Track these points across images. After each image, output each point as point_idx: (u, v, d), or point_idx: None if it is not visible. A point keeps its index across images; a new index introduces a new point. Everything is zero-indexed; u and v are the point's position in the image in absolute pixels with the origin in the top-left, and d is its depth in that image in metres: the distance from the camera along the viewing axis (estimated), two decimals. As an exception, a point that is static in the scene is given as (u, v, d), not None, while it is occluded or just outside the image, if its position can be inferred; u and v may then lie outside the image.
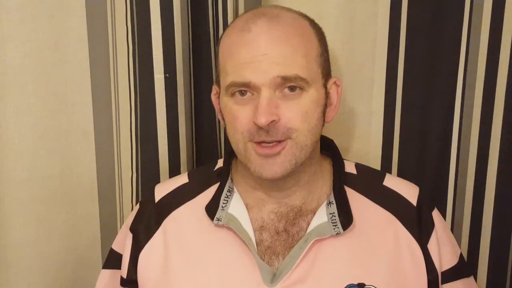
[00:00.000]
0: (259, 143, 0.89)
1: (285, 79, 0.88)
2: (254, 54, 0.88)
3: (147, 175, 1.16)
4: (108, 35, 1.14)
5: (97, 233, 1.21)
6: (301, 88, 0.89)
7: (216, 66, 0.97)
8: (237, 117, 0.90)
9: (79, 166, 1.18)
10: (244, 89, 0.89)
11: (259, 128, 0.88)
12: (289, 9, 0.96)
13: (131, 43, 1.13)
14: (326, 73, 0.95)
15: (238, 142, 0.91)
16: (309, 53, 0.91)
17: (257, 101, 0.88)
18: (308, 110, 0.90)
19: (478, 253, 1.16)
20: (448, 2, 1.11)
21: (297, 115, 0.89)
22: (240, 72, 0.89)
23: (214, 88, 1.00)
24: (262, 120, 0.86)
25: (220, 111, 0.97)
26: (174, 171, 1.15)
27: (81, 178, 1.18)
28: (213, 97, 1.00)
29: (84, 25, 1.13)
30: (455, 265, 1.00)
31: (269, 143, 0.89)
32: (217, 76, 0.96)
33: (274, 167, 0.90)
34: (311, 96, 0.90)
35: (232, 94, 0.91)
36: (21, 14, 1.09)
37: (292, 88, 0.89)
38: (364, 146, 1.18)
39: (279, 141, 0.89)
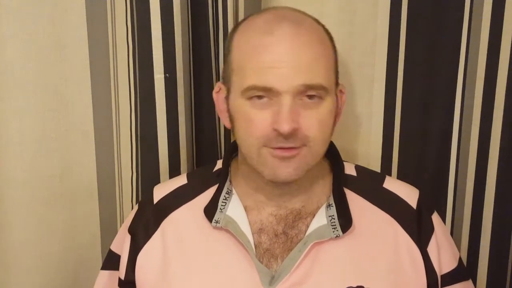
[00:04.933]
0: (274, 148, 0.89)
1: (308, 87, 0.87)
2: (278, 59, 0.87)
3: (147, 175, 1.16)
4: (108, 35, 1.14)
5: (97, 233, 1.21)
6: (320, 97, 0.89)
7: (226, 64, 0.95)
8: (254, 122, 0.89)
9: (79, 166, 1.18)
10: (263, 94, 0.88)
11: (278, 134, 0.87)
12: (305, 13, 0.95)
13: (131, 43, 1.12)
14: (337, 81, 0.95)
15: (251, 146, 0.90)
16: (328, 62, 0.91)
17: (277, 107, 0.87)
18: (325, 119, 0.90)
19: (478, 253, 1.16)
20: (448, 2, 1.11)
21: (315, 124, 0.89)
22: (262, 76, 0.87)
23: (218, 86, 0.98)
24: (286, 128, 0.85)
25: (228, 111, 0.95)
26: (174, 171, 1.15)
27: (81, 178, 1.18)
28: (215, 95, 0.99)
29: (84, 25, 1.13)
30: (455, 268, 1.00)
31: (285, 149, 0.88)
32: (227, 75, 0.94)
33: (289, 169, 0.89)
34: (328, 105, 0.90)
35: (249, 98, 0.89)
36: (21, 14, 1.09)
37: (311, 97, 0.88)
38: (364, 146, 1.18)
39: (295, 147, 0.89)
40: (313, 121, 0.88)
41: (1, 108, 1.11)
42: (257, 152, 0.90)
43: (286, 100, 0.86)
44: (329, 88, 0.90)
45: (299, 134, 0.88)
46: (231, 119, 0.94)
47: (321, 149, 0.92)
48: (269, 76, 0.87)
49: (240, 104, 0.90)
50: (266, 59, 0.87)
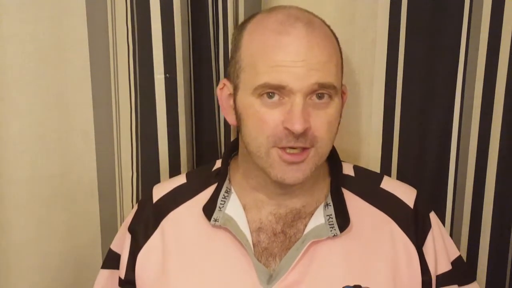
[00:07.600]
0: (284, 148, 0.89)
1: (321, 86, 0.88)
2: (293, 59, 0.87)
3: (147, 175, 1.16)
4: (108, 35, 1.14)
5: (97, 233, 1.21)
6: (330, 97, 0.90)
7: (233, 61, 0.94)
8: (265, 121, 0.88)
9: (79, 166, 1.18)
10: (275, 91, 0.88)
11: (289, 133, 0.87)
12: (313, 14, 0.95)
13: (131, 43, 1.12)
14: (341, 81, 0.96)
15: (261, 146, 0.90)
16: (338, 62, 0.92)
17: (289, 106, 0.87)
18: (333, 120, 0.91)
19: (478, 252, 1.16)
20: (448, 2, 1.11)
21: (323, 124, 0.89)
22: (276, 74, 0.87)
23: (223, 83, 0.97)
24: (298, 127, 0.86)
25: (234, 108, 0.94)
26: (174, 171, 1.15)
27: (81, 178, 1.18)
28: (219, 92, 0.98)
29: (84, 25, 1.13)
30: (450, 270, 1.00)
31: (294, 148, 0.89)
32: (234, 72, 0.93)
33: (297, 174, 0.90)
34: (336, 106, 0.91)
35: (260, 95, 0.89)
36: (21, 15, 1.08)
37: (320, 96, 0.89)
38: (363, 146, 1.18)
39: (304, 148, 0.89)
40: (322, 122, 0.89)
41: (1, 108, 1.11)
42: (267, 152, 0.90)
43: (299, 99, 0.87)
44: (338, 88, 0.91)
45: (309, 134, 0.88)
46: (238, 117, 0.94)
47: (327, 150, 0.92)
48: (283, 74, 0.87)
49: (250, 102, 0.90)
50: (281, 58, 0.87)
